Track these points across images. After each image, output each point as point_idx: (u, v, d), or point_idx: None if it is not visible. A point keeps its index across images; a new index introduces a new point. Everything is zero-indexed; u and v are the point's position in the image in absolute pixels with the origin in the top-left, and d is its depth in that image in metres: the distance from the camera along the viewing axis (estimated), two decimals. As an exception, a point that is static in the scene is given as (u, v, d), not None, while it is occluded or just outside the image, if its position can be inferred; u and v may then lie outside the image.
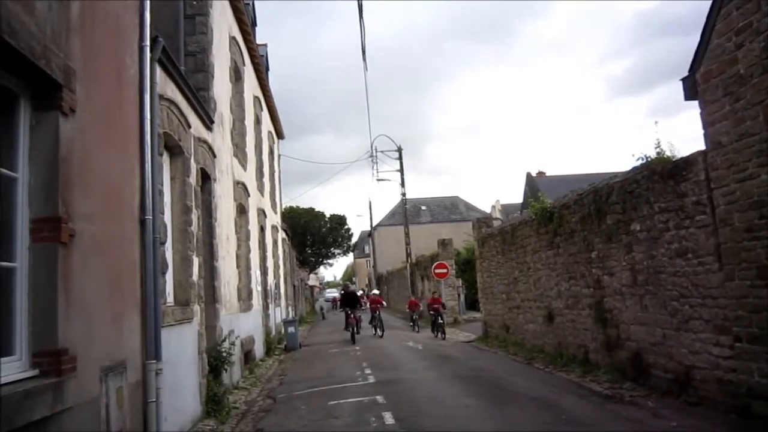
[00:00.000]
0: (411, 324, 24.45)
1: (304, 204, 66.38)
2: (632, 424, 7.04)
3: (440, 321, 20.05)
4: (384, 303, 25.84)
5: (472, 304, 26.17)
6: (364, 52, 11.58)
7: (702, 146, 7.30)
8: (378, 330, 21.51)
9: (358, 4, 8.58)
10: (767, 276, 6.23)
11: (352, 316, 20.98)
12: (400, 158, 33.39)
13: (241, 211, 13.95)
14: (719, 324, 7.07)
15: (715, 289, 7.14)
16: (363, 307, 25.36)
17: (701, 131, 7.22)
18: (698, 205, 7.35)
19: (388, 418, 8.02)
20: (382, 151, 33.95)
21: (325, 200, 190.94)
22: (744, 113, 6.45)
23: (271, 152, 22.43)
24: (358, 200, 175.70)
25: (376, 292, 28.26)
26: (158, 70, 6.69)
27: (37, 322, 3.92)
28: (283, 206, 31.93)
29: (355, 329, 20.54)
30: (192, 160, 8.69)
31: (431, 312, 20.69)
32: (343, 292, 29.14)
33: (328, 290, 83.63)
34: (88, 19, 4.77)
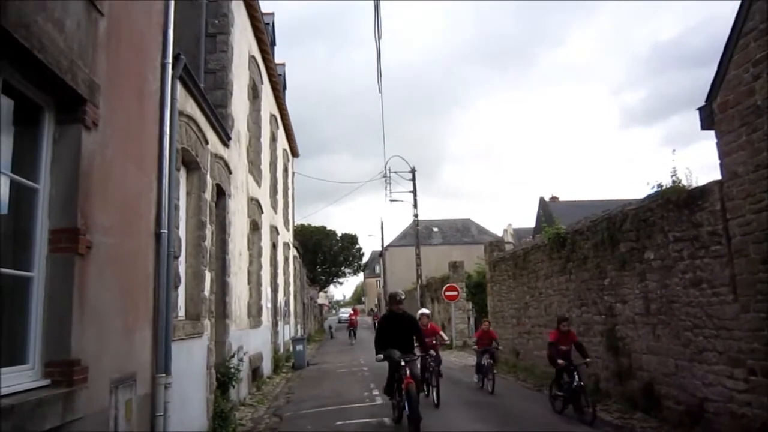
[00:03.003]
0: None
1: (316, 222, 66.40)
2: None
3: (489, 363, 12.31)
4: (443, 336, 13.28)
5: (481, 327, 25.95)
6: (380, 71, 11.71)
7: (713, 176, 7.29)
8: (433, 392, 10.87)
9: (375, 25, 8.69)
10: (783, 309, 6.16)
11: (406, 371, 8.57)
12: (414, 179, 33.44)
13: (254, 227, 14.03)
14: (733, 356, 6.97)
15: (729, 321, 7.05)
16: (428, 355, 10.82)
17: (713, 162, 7.21)
18: (713, 235, 7.30)
19: (395, 441, 7.92)
20: (395, 172, 33.96)
21: (337, 219, 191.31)
22: (761, 144, 6.42)
23: (286, 170, 22.58)
24: (370, 220, 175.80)
25: (426, 311, 13.38)
26: (179, 87, 6.79)
27: (52, 331, 3.95)
28: (296, 224, 32.06)
29: (412, 409, 8.03)
30: (208, 176, 8.78)
31: (479, 350, 12.84)
32: (384, 311, 15.93)
33: (342, 310, 77.35)
34: (113, 36, 4.88)
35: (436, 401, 10.55)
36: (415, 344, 9.24)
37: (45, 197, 4.06)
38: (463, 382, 13.79)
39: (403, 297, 9.55)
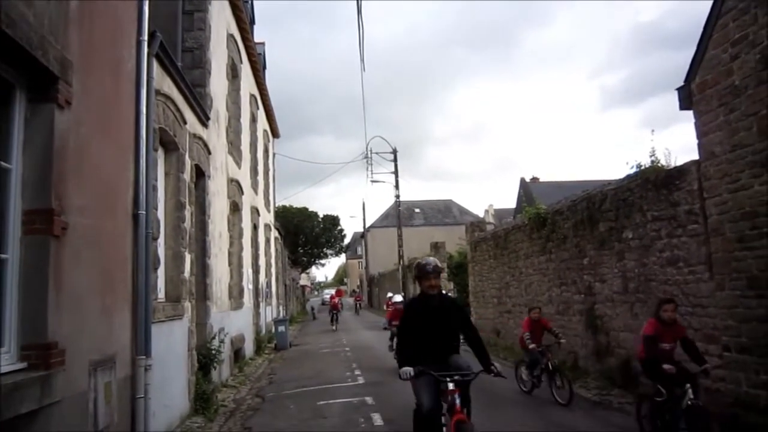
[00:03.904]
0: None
1: (298, 204, 66.02)
2: (620, 430, 7.06)
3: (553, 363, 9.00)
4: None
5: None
6: (361, 51, 11.58)
7: (692, 158, 7.35)
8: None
9: (357, 6, 8.59)
10: (757, 286, 6.28)
11: (455, 399, 4.78)
12: (395, 160, 33.43)
13: (235, 208, 13.92)
14: (708, 333, 7.11)
15: (705, 299, 7.18)
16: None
17: (692, 143, 7.28)
18: (691, 214, 7.39)
19: (377, 419, 8.02)
20: (377, 153, 33.96)
21: (321, 201, 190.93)
22: (738, 124, 6.49)
23: (266, 151, 22.38)
24: (352, 201, 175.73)
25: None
26: (155, 65, 6.66)
27: (27, 314, 3.90)
28: (277, 205, 31.89)
29: None
30: (187, 157, 8.66)
31: (536, 348, 9.14)
32: (399, 297, 15.06)
33: (326, 291, 72.15)
34: (86, 12, 4.75)
35: None
36: (462, 344, 5.30)
37: (18, 178, 3.98)
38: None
39: (439, 267, 5.31)
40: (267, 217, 21.85)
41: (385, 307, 25.67)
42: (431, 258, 5.40)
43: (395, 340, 11.08)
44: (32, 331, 3.91)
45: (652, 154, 8.64)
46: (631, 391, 8.77)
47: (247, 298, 15.30)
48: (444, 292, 5.55)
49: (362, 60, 11.46)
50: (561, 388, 8.62)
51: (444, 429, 4.73)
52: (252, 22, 19.37)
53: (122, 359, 5.61)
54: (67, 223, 4.25)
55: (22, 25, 3.62)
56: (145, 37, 6.24)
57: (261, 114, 20.36)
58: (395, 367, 11.61)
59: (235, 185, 13.58)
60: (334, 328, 26.72)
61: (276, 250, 26.20)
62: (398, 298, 13.11)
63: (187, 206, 8.60)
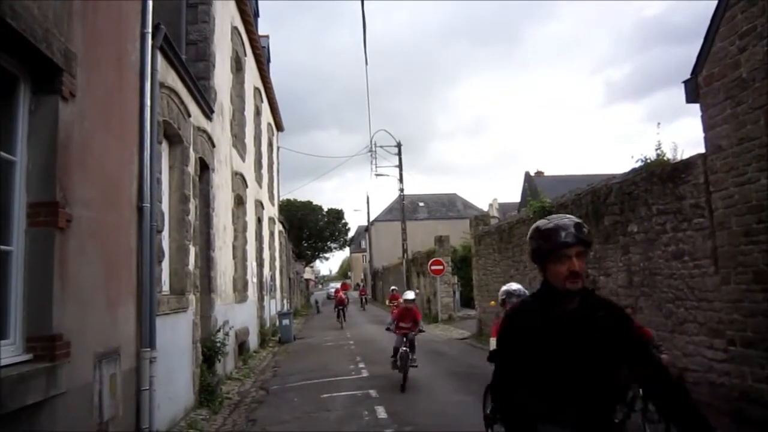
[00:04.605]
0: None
1: (303, 197, 65.90)
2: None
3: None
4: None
5: (467, 301, 26.20)
6: (365, 44, 11.54)
7: (698, 150, 7.31)
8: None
9: (361, 1, 8.53)
10: (763, 280, 6.24)
11: None
12: (399, 153, 33.35)
13: (239, 202, 13.93)
14: (714, 327, 7.08)
15: (710, 293, 7.15)
16: None
17: (696, 138, 7.28)
18: (696, 208, 7.35)
19: (381, 412, 8.03)
20: (381, 146, 33.81)
21: (325, 194, 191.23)
22: (745, 117, 6.44)
23: (270, 144, 22.38)
24: (357, 195, 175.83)
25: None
26: (159, 58, 6.65)
27: (32, 306, 3.91)
28: (282, 199, 31.88)
29: None
30: (191, 149, 8.66)
31: None
32: (411, 294, 11.20)
33: (331, 284, 72.20)
34: (90, 4, 4.74)
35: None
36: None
37: (22, 170, 3.98)
38: (448, 355, 13.96)
39: (586, 234, 2.31)
40: (271, 211, 21.87)
41: (387, 302, 25.41)
42: (567, 217, 2.41)
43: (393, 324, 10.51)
44: (37, 323, 3.92)
45: (658, 148, 8.61)
46: (635, 385, 8.76)
47: (252, 291, 15.33)
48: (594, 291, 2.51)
49: (365, 51, 11.40)
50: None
51: None
52: (256, 15, 19.32)
53: (127, 351, 5.62)
54: (72, 215, 4.26)
55: (27, 17, 3.62)
56: (149, 30, 6.22)
57: (265, 107, 20.34)
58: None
59: (239, 178, 13.58)
60: (340, 325, 24.75)
61: (280, 243, 26.23)
62: (410, 295, 10.76)
63: (192, 199, 8.60)
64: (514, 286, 6.63)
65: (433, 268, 24.45)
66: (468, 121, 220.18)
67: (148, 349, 6.00)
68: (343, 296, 26.99)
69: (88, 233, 4.62)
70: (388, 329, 10.73)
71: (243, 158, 14.35)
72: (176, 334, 7.64)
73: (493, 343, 5.90)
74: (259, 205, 17.64)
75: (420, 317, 10.64)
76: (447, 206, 58.28)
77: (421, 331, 10.48)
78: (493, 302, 5.49)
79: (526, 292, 6.20)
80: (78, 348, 4.33)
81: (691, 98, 7.40)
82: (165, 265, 7.57)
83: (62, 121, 4.16)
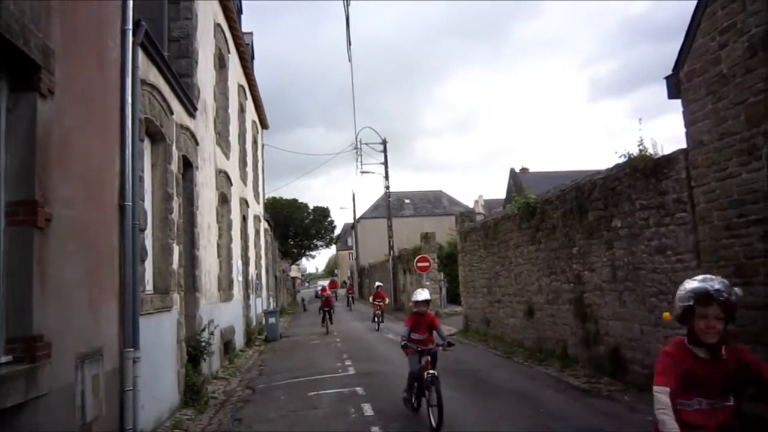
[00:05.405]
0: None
1: (289, 195, 65.65)
2: (609, 417, 7.11)
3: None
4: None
5: (453, 298, 26.27)
6: (348, 38, 11.50)
7: (682, 146, 7.37)
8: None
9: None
10: (745, 274, 6.31)
11: None
12: (385, 151, 33.37)
13: (223, 200, 13.84)
14: (696, 320, 7.15)
15: (693, 286, 7.21)
16: None
17: (679, 134, 7.30)
18: (679, 202, 7.42)
19: (367, 410, 8.03)
20: (366, 144, 33.87)
21: (311, 192, 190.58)
22: (726, 113, 6.50)
23: (255, 142, 22.25)
24: (343, 193, 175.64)
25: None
26: (140, 55, 6.58)
27: (11, 307, 3.85)
28: (267, 197, 31.75)
29: None
30: (174, 147, 8.58)
31: None
32: (424, 294, 7.80)
33: (319, 282, 67.91)
34: (69, 0, 4.67)
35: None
36: None
37: (0, 168, 3.91)
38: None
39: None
40: (256, 209, 21.76)
41: (371, 300, 24.59)
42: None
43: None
44: (17, 323, 3.86)
45: (640, 143, 8.67)
46: (620, 378, 8.84)
47: (237, 290, 15.24)
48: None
49: (349, 44, 11.34)
50: None
51: None
52: (239, 11, 19.18)
53: (110, 352, 5.56)
54: (52, 214, 4.20)
55: (2, 13, 3.55)
56: (130, 26, 6.15)
57: (249, 105, 20.22)
58: (386, 357, 11.30)
59: (223, 176, 13.49)
60: (325, 330, 20.41)
61: (266, 241, 26.11)
62: (423, 294, 7.66)
63: (175, 197, 8.53)
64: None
65: (419, 264, 24.47)
66: (454, 117, 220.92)
67: (132, 349, 5.94)
68: (331, 295, 22.89)
69: (68, 232, 4.56)
70: (404, 346, 7.44)
71: (227, 156, 14.26)
72: (160, 334, 7.57)
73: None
74: (244, 203, 17.54)
75: (438, 324, 7.75)
76: (433, 203, 58.37)
77: (450, 345, 7.35)
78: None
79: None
80: (59, 349, 4.27)
81: (672, 94, 7.46)
82: (148, 264, 7.50)
83: (41, 118, 4.10)
